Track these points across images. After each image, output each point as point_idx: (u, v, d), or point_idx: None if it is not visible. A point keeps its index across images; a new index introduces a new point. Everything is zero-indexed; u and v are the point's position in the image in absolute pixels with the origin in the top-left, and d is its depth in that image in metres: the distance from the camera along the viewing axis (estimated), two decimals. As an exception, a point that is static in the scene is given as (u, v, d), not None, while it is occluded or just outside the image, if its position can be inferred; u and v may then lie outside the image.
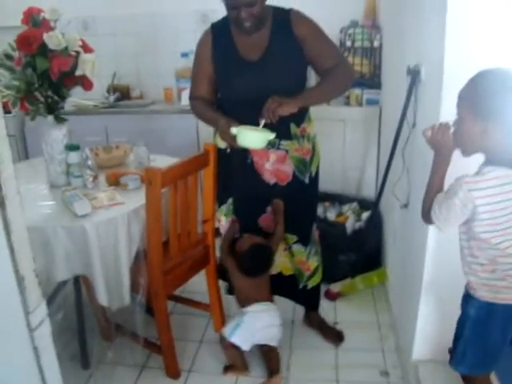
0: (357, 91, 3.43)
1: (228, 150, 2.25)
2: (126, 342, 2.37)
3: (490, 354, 1.56)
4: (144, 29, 4.01)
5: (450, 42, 1.69)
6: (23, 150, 3.81)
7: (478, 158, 1.47)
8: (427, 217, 1.58)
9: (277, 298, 2.52)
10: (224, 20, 2.19)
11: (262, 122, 2.00)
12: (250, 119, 2.04)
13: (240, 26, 2.07)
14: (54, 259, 1.91)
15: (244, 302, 2.30)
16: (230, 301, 2.50)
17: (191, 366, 2.40)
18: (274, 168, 2.24)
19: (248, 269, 2.25)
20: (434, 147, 1.55)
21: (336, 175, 3.49)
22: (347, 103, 3.50)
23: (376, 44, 3.40)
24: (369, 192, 3.52)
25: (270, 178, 2.27)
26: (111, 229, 1.96)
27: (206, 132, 2.66)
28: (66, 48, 2.15)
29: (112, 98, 3.95)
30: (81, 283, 2.28)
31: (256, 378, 2.30)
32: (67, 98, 2.32)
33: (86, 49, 2.25)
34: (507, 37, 1.64)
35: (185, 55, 3.75)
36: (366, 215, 3.18)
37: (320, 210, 3.23)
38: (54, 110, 2.27)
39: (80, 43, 2.21)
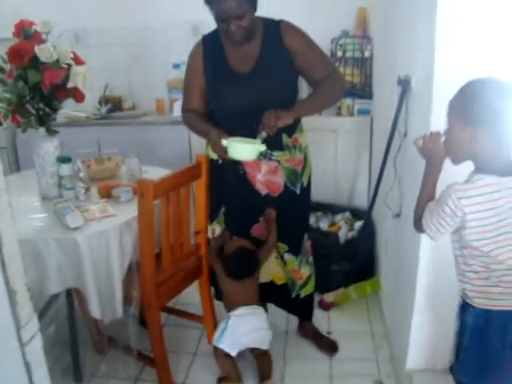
0: (348, 101, 3.45)
1: (220, 161, 2.26)
2: (118, 355, 2.35)
3: (492, 362, 1.56)
4: (135, 40, 4.02)
5: (439, 52, 1.71)
6: (14, 162, 3.79)
7: (470, 166, 1.48)
8: (418, 225, 1.58)
9: (270, 308, 2.52)
10: (215, 32, 2.20)
11: (263, 136, 2.01)
12: (242, 131, 2.05)
13: (230, 39, 2.08)
14: (45, 272, 1.90)
15: (231, 307, 2.29)
16: (223, 311, 2.48)
17: (185, 379, 2.39)
18: (266, 179, 2.25)
19: (233, 271, 2.25)
20: (426, 156, 1.57)
21: (328, 185, 3.50)
22: (339, 113, 3.51)
23: (367, 54, 3.42)
24: (361, 201, 3.53)
25: (262, 189, 2.27)
26: (103, 241, 1.95)
27: (198, 143, 2.66)
28: (58, 60, 2.14)
29: (104, 109, 3.95)
30: (73, 296, 2.26)
31: (250, 389, 2.29)
32: (59, 110, 2.32)
33: (78, 61, 2.24)
34: (496, 47, 1.66)
35: (176, 66, 3.75)
36: (358, 225, 3.19)
37: (312, 220, 3.24)
38: (45, 122, 2.26)
39: (71, 55, 2.21)
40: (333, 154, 3.49)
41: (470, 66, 1.64)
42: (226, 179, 2.29)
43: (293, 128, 2.21)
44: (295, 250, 2.41)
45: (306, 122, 2.32)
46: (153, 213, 1.99)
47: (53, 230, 1.97)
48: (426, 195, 1.57)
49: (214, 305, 2.53)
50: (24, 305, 1.03)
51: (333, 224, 3.30)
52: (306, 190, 2.37)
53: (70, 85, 2.21)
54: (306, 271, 2.46)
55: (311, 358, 2.50)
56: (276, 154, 2.22)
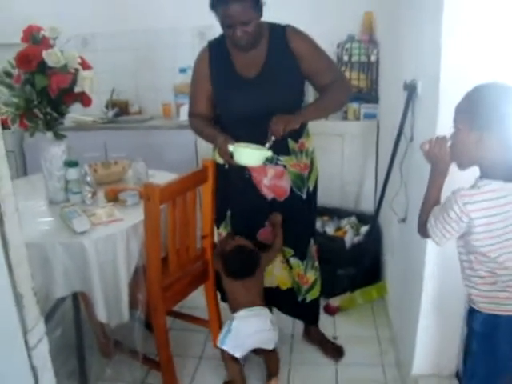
0: (354, 105, 3.45)
1: (226, 166, 2.26)
2: (124, 359, 2.35)
3: (500, 368, 1.55)
4: (142, 45, 4.05)
5: (445, 57, 1.71)
6: (22, 166, 3.82)
7: (475, 171, 1.48)
8: (423, 230, 1.58)
9: (276, 312, 2.52)
10: (221, 37, 2.20)
11: (272, 141, 2.02)
12: (249, 135, 2.06)
13: (236, 44, 2.09)
14: (52, 276, 1.91)
15: (235, 308, 2.29)
16: (228, 315, 2.48)
17: (190, 383, 2.39)
18: (272, 183, 2.25)
19: (231, 270, 2.25)
20: (432, 161, 1.56)
21: (334, 189, 3.50)
22: (345, 117, 3.52)
23: (373, 59, 3.42)
24: (367, 206, 3.52)
25: (268, 194, 2.28)
26: (110, 245, 1.95)
27: (205, 147, 2.67)
28: (65, 65, 2.16)
29: (111, 113, 3.97)
30: (79, 300, 2.27)
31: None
32: (66, 115, 2.33)
33: (85, 66, 2.26)
34: (502, 52, 1.66)
35: (183, 71, 3.77)
36: (364, 229, 3.18)
37: (319, 225, 3.24)
38: (52, 126, 2.28)
39: (79, 60, 2.22)
40: (339, 158, 3.49)
41: (477, 71, 1.64)
42: (232, 183, 2.30)
43: (299, 133, 2.21)
44: (301, 254, 2.41)
45: (312, 126, 2.33)
46: (159, 217, 2.00)
47: (59, 234, 1.97)
48: (432, 200, 1.57)
49: (219, 309, 2.53)
50: (31, 309, 1.04)
51: (339, 228, 3.29)
52: (313, 195, 2.37)
53: (77, 89, 2.22)
54: (311, 276, 2.46)
55: (317, 362, 2.50)
56: (282, 158, 2.22)
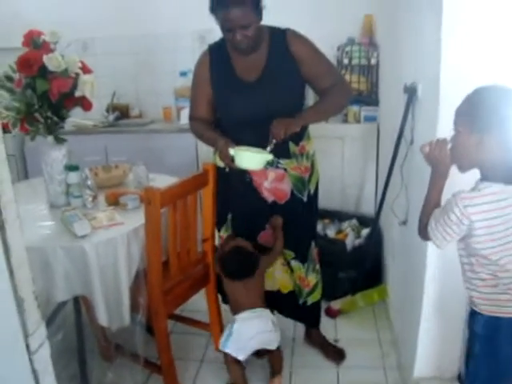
0: (354, 108, 3.45)
1: (227, 169, 2.26)
2: (125, 363, 2.35)
3: (503, 370, 1.55)
4: (142, 49, 4.05)
5: (445, 60, 1.71)
6: (23, 170, 3.82)
7: (476, 174, 1.48)
8: (424, 232, 1.58)
9: (277, 315, 2.51)
10: (221, 41, 2.21)
11: (273, 143, 2.02)
12: (249, 139, 2.07)
13: (236, 48, 2.09)
14: (53, 280, 1.91)
15: (236, 310, 2.29)
16: (230, 318, 2.48)
17: (192, 386, 2.39)
18: (272, 187, 2.25)
19: (228, 270, 2.25)
20: (432, 163, 1.56)
21: (335, 192, 3.50)
22: (345, 120, 3.52)
23: (373, 61, 3.43)
24: (368, 208, 3.52)
25: (269, 197, 2.28)
26: (111, 249, 1.96)
27: (205, 151, 2.68)
28: (66, 70, 2.16)
29: (111, 117, 3.97)
30: (80, 303, 2.27)
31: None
32: (67, 119, 2.34)
33: (86, 70, 2.26)
34: (502, 54, 1.66)
35: (183, 74, 3.78)
36: (365, 232, 3.18)
37: (319, 227, 3.23)
38: (53, 130, 2.28)
39: (79, 65, 2.23)
40: (339, 161, 3.49)
41: (477, 74, 1.64)
42: (233, 187, 2.30)
43: (300, 136, 2.22)
44: (302, 257, 2.41)
45: (313, 129, 2.33)
46: (160, 220, 2.00)
47: (60, 238, 1.97)
48: (432, 202, 1.57)
49: (221, 312, 2.53)
50: (32, 313, 1.04)
51: (340, 231, 3.29)
52: (313, 198, 2.37)
53: (77, 93, 2.22)
54: (312, 278, 2.46)
55: (318, 365, 2.50)
56: (283, 161, 2.22)
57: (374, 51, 3.43)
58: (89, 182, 2.28)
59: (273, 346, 2.28)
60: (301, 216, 2.33)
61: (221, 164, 2.26)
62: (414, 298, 2.13)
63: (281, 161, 2.21)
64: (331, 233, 3.28)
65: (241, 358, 2.21)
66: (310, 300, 2.50)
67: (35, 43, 2.16)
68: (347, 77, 3.43)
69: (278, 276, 2.48)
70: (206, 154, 2.66)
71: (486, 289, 1.51)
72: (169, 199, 2.03)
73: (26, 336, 1.02)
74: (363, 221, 3.34)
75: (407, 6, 2.32)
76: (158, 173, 2.61)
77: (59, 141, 2.30)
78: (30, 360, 1.04)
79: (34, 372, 1.05)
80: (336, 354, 2.54)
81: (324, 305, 2.76)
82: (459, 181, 1.51)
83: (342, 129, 3.49)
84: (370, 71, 3.46)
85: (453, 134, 1.49)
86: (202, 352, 2.63)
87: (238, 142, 2.07)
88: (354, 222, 3.34)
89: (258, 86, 2.14)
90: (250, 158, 2.02)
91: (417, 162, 2.00)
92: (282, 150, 2.16)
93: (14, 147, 3.70)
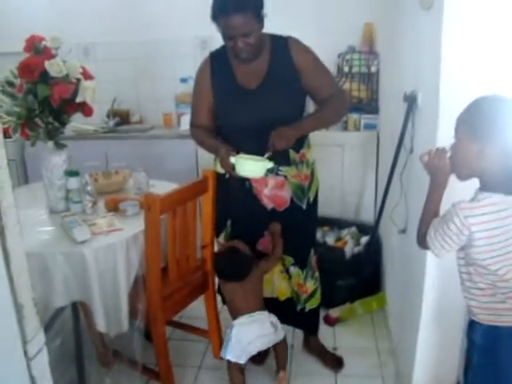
0: (354, 116, 3.46)
1: (227, 176, 2.26)
2: (124, 369, 2.34)
3: (503, 380, 1.54)
4: (143, 55, 4.06)
5: (445, 69, 1.71)
6: (23, 175, 3.82)
7: (476, 183, 1.48)
8: (423, 241, 1.58)
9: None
10: (222, 48, 2.22)
11: (271, 152, 2.03)
12: (250, 146, 2.07)
13: (237, 56, 2.10)
14: (52, 285, 1.91)
15: (234, 314, 2.29)
16: (228, 324, 2.48)
17: (190, 393, 2.39)
18: (272, 194, 2.26)
19: (220, 270, 2.27)
20: (431, 172, 1.57)
21: (334, 200, 3.50)
22: (345, 128, 3.53)
23: (373, 69, 3.44)
24: (367, 216, 3.52)
25: (268, 204, 2.28)
26: (110, 255, 1.96)
27: (206, 157, 2.67)
28: (67, 75, 2.17)
29: (112, 122, 3.98)
30: (79, 309, 2.27)
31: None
32: (67, 124, 2.34)
33: (87, 76, 2.27)
34: (502, 63, 1.67)
35: (184, 80, 3.79)
36: (364, 240, 3.18)
37: (319, 235, 3.23)
38: (54, 135, 2.29)
39: (81, 70, 2.23)
40: (339, 168, 3.50)
41: (477, 83, 1.65)
42: (233, 193, 2.30)
43: (300, 143, 2.22)
44: (301, 263, 2.41)
45: (313, 137, 2.33)
46: (159, 227, 2.00)
47: (60, 244, 1.98)
48: (431, 211, 1.57)
49: (219, 319, 2.52)
50: (30, 319, 1.04)
51: (339, 239, 3.29)
52: (313, 206, 2.37)
53: (78, 99, 2.23)
54: (311, 285, 2.46)
55: (316, 373, 2.49)
56: (283, 169, 2.22)
57: (374, 59, 3.44)
58: (89, 188, 2.29)
59: (275, 342, 2.29)
60: (300, 223, 2.34)
61: (221, 170, 2.26)
62: (412, 307, 2.13)
63: (281, 168, 2.22)
64: (330, 240, 3.27)
65: (242, 361, 2.21)
66: (308, 306, 2.49)
67: (37, 49, 2.17)
68: (347, 85, 3.45)
69: (276, 283, 2.48)
70: (206, 160, 2.66)
71: (484, 298, 1.50)
72: (168, 206, 2.03)
73: (25, 342, 1.02)
74: (362, 229, 3.34)
75: (407, 15, 2.33)
76: (158, 179, 2.62)
77: (59, 146, 2.31)
78: (28, 366, 1.04)
79: (32, 378, 1.05)
80: (334, 362, 2.53)
81: (322, 312, 2.75)
82: (458, 190, 1.51)
83: (342, 137, 3.49)
84: (370, 79, 3.47)
85: (453, 142, 1.50)
86: (200, 358, 2.63)
87: (239, 150, 2.08)
88: (354, 229, 3.34)
89: (259, 93, 2.14)
90: (250, 166, 2.02)
91: (416, 170, 2.01)
92: (283, 157, 2.16)
93: (14, 152, 3.70)
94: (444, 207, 1.52)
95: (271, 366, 2.49)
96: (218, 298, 2.53)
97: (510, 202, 1.41)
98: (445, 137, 1.58)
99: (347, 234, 3.31)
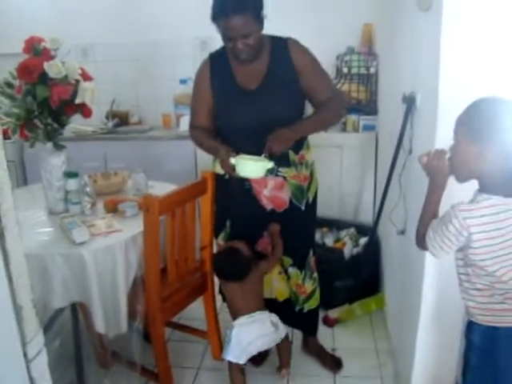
0: (353, 117, 3.46)
1: (226, 176, 2.26)
2: (122, 370, 2.35)
3: (501, 381, 1.54)
4: (143, 56, 4.06)
5: (444, 70, 1.72)
6: (22, 176, 3.82)
7: (475, 185, 1.48)
8: (421, 242, 1.58)
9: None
10: (222, 49, 2.22)
11: (267, 154, 2.04)
12: (249, 147, 2.08)
13: (237, 57, 2.10)
14: (51, 286, 1.91)
15: (234, 314, 2.30)
16: (227, 326, 2.48)
17: (189, 394, 2.39)
18: (272, 195, 2.26)
19: (217, 269, 2.28)
20: (430, 173, 1.57)
21: (333, 201, 3.50)
22: (344, 129, 3.53)
23: (372, 70, 3.44)
24: (366, 217, 3.53)
25: (267, 205, 2.28)
26: (109, 256, 1.96)
27: (205, 158, 2.67)
28: (66, 76, 2.17)
29: (111, 123, 3.97)
30: (78, 310, 2.27)
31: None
32: (66, 125, 2.34)
33: (86, 77, 2.27)
34: (501, 65, 1.67)
35: (183, 82, 3.79)
36: (363, 241, 3.18)
37: (317, 236, 3.23)
38: (53, 137, 2.28)
39: (80, 71, 2.24)
40: (338, 169, 3.50)
41: (475, 84, 1.65)
42: (232, 194, 2.30)
43: (299, 145, 2.22)
44: (300, 264, 2.42)
45: (311, 137, 2.33)
46: (158, 228, 2.00)
47: (59, 245, 1.98)
48: (430, 212, 1.57)
49: (218, 320, 2.53)
50: (30, 320, 1.04)
51: (338, 240, 3.29)
52: (312, 207, 2.38)
53: (77, 100, 2.23)
54: (309, 286, 2.46)
55: (315, 374, 2.49)
56: (282, 170, 2.23)
57: (373, 60, 3.44)
58: (88, 189, 2.29)
59: (276, 342, 2.30)
60: (299, 224, 2.34)
61: (220, 171, 2.26)
62: (411, 307, 2.13)
63: (280, 169, 2.22)
64: (329, 241, 3.28)
65: (241, 362, 2.21)
66: (307, 307, 2.50)
67: (36, 50, 2.17)
68: (346, 86, 3.45)
69: (275, 284, 2.49)
70: (205, 161, 2.66)
71: (482, 299, 1.51)
72: (167, 207, 2.04)
73: (24, 344, 1.02)
74: (361, 230, 3.34)
75: (406, 16, 2.34)
76: (157, 180, 2.62)
77: (58, 147, 2.31)
78: (27, 368, 1.03)
79: (31, 380, 1.05)
80: (333, 363, 2.53)
81: (321, 313, 2.75)
82: (457, 192, 1.51)
83: (341, 138, 3.49)
84: (369, 80, 3.48)
85: (452, 144, 1.50)
86: (199, 360, 2.63)
87: (238, 150, 2.08)
88: (352, 230, 3.35)
89: (259, 94, 2.15)
90: (251, 167, 2.03)
91: (415, 171, 2.01)
92: (282, 158, 2.16)
93: (13, 153, 3.70)
94: (443, 209, 1.53)
95: (271, 366, 2.50)
96: (217, 298, 2.53)
97: (509, 203, 1.41)
98: (443, 138, 1.58)
99: (346, 234, 3.31)
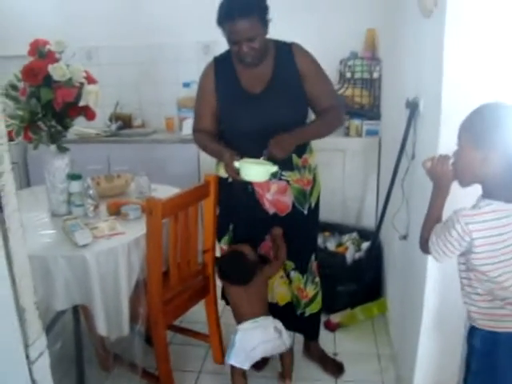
0: (356, 122, 3.47)
1: (229, 180, 2.27)
2: (124, 373, 2.35)
3: None
4: (146, 59, 4.07)
5: (447, 75, 1.72)
6: (25, 178, 3.83)
7: (478, 190, 1.48)
8: (425, 246, 1.58)
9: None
10: (227, 53, 2.22)
11: (266, 157, 2.05)
12: (253, 151, 2.07)
13: (242, 60, 2.11)
14: (53, 288, 1.91)
15: (238, 318, 2.30)
16: (229, 330, 2.48)
17: (190, 398, 2.38)
18: (274, 198, 2.26)
19: (222, 272, 2.27)
20: (434, 178, 1.57)
21: (336, 205, 3.50)
22: (347, 134, 3.53)
23: (375, 75, 3.44)
24: (369, 222, 3.52)
25: (270, 208, 2.28)
26: (111, 258, 1.96)
27: (208, 161, 2.68)
28: (71, 79, 2.18)
29: (114, 126, 3.98)
30: (79, 312, 2.27)
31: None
32: (70, 128, 2.35)
33: (90, 80, 2.28)
34: (504, 70, 1.67)
35: (186, 85, 3.79)
36: (365, 245, 3.18)
37: (320, 240, 3.23)
38: (56, 139, 2.29)
39: (84, 74, 2.24)
40: (341, 174, 3.50)
41: (479, 90, 1.65)
42: (235, 197, 2.30)
43: (302, 149, 2.23)
44: (302, 268, 2.41)
45: (314, 142, 2.34)
46: (161, 231, 2.00)
47: (61, 247, 1.98)
48: (433, 217, 1.57)
49: (220, 323, 2.52)
50: (32, 322, 1.04)
51: (340, 244, 3.29)
52: (314, 211, 2.38)
53: (81, 103, 2.24)
54: (311, 290, 2.46)
55: (317, 379, 2.48)
56: (286, 173, 2.23)
57: (376, 65, 3.44)
58: (91, 192, 2.29)
59: (279, 351, 2.29)
60: (301, 229, 2.34)
61: (223, 174, 2.26)
62: (413, 312, 2.12)
63: (284, 173, 2.22)
64: (331, 246, 3.27)
65: (245, 367, 2.21)
66: (308, 311, 2.49)
67: (40, 52, 2.18)
68: (349, 91, 3.45)
69: (277, 289, 2.48)
70: (208, 164, 2.67)
71: (483, 303, 1.51)
72: (170, 210, 2.04)
73: (26, 346, 1.02)
74: (364, 234, 3.34)
75: (409, 21, 2.34)
76: (160, 183, 2.62)
77: (62, 150, 2.31)
78: (30, 370, 1.04)
79: (33, 382, 1.05)
80: (335, 368, 2.53)
81: (323, 318, 2.75)
82: (461, 197, 1.51)
83: (344, 142, 3.50)
84: (373, 85, 3.48)
85: (456, 149, 1.50)
86: (200, 363, 2.62)
87: (242, 154, 2.08)
88: (355, 235, 3.34)
89: (264, 98, 2.15)
90: (255, 171, 2.03)
91: (418, 176, 2.01)
92: (286, 162, 2.16)
93: (16, 155, 3.71)
94: (446, 214, 1.53)
95: (273, 371, 2.49)
96: (219, 302, 2.53)
97: (511, 209, 1.41)
98: (447, 143, 1.58)
99: (348, 239, 3.31)
